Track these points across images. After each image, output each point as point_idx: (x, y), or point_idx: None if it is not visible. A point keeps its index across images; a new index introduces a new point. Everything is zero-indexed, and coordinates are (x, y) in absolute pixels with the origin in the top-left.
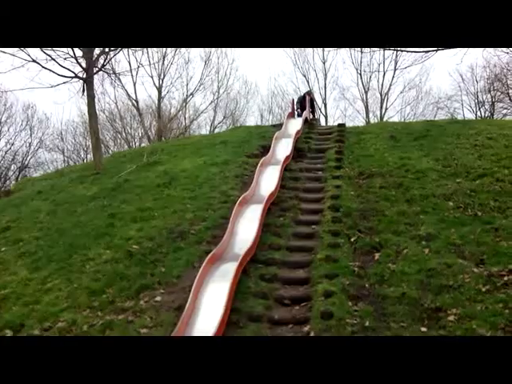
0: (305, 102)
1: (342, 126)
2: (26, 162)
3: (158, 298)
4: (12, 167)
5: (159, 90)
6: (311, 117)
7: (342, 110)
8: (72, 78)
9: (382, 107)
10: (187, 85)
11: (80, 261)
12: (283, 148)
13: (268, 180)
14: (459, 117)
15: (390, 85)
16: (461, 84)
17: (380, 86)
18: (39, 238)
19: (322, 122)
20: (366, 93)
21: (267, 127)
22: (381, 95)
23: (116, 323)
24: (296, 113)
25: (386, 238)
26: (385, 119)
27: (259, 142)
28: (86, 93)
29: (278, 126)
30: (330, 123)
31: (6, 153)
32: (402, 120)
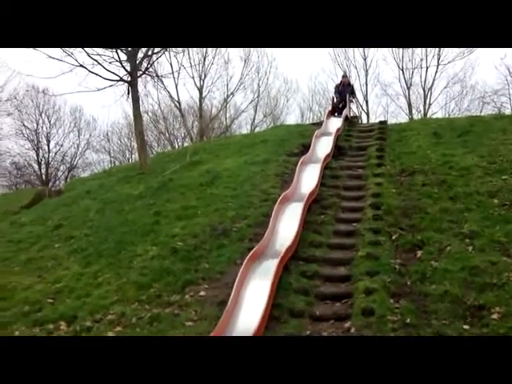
0: (344, 94)
1: (383, 123)
2: (75, 163)
3: (203, 293)
4: (61, 168)
5: (200, 90)
6: (352, 114)
7: (384, 106)
8: (117, 81)
9: (425, 103)
10: (227, 84)
11: (128, 257)
12: (323, 146)
13: (308, 178)
14: (507, 111)
15: (434, 80)
16: (508, 77)
17: (423, 82)
18: (89, 235)
19: (364, 119)
20: (409, 89)
21: (307, 125)
22: (424, 91)
23: (163, 316)
24: (335, 102)
25: (428, 236)
26: (428, 115)
27: (299, 140)
28: (130, 95)
29: (318, 125)
30: (372, 120)
31: (55, 154)
32: (447, 116)
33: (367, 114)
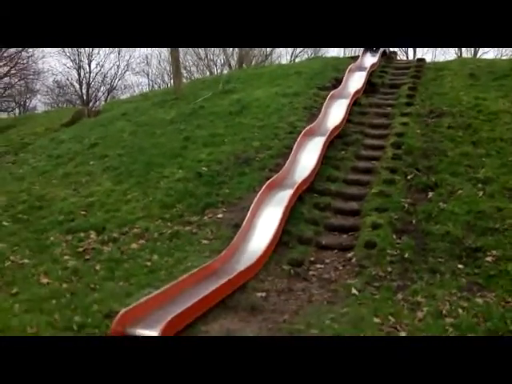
0: None
1: (421, 60)
2: (114, 84)
3: (220, 215)
4: (101, 88)
5: None
6: (390, 49)
7: None
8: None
9: None
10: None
11: (156, 177)
12: (355, 81)
13: (335, 113)
14: None
15: None
16: None
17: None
18: (122, 155)
19: (411, 54)
20: None
21: (345, 59)
22: None
23: (182, 233)
24: None
25: (442, 178)
26: (479, 54)
27: (333, 74)
28: None
29: (357, 58)
30: (418, 55)
31: (96, 74)
32: (499, 56)
33: (414, 50)
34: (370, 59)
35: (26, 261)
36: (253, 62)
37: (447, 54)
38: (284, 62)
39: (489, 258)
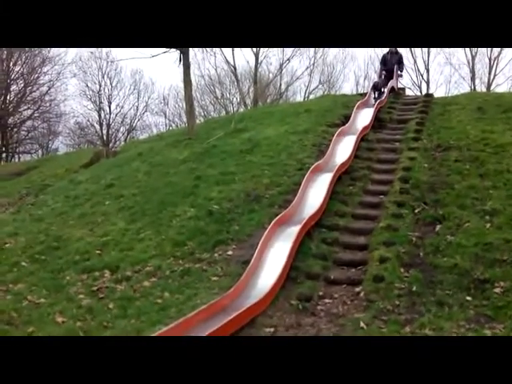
0: (391, 64)
1: (428, 96)
2: (134, 125)
3: (230, 252)
4: (121, 129)
5: (256, 55)
6: (398, 86)
7: (446, 76)
8: (170, 48)
9: (490, 73)
10: (283, 50)
11: (168, 216)
12: (363, 118)
13: (343, 150)
14: None
15: (501, 49)
16: None
17: (489, 50)
18: (136, 195)
19: (424, 88)
20: (473, 58)
21: (353, 96)
22: (490, 60)
23: (192, 270)
24: (377, 76)
25: (449, 211)
26: (493, 87)
27: (343, 111)
28: (182, 62)
29: (365, 95)
30: (432, 90)
31: (116, 115)
32: None
33: (427, 83)
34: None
35: (43, 300)
36: (268, 100)
37: (461, 88)
38: (298, 98)
39: (497, 290)
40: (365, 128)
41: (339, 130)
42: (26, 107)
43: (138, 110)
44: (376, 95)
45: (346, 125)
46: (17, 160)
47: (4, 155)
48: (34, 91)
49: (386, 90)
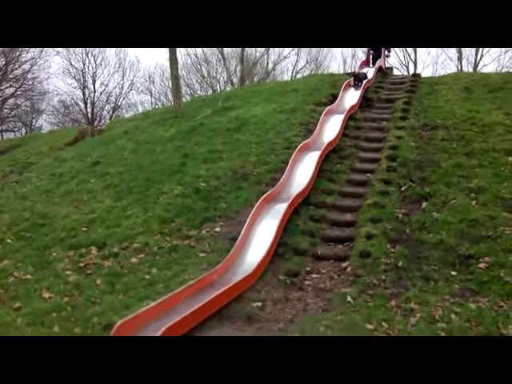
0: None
1: (416, 75)
2: (119, 103)
3: (217, 229)
4: (106, 107)
5: None
6: (386, 66)
7: (433, 56)
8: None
9: (476, 54)
10: None
11: (155, 194)
12: (351, 97)
13: (330, 128)
14: None
15: None
16: None
17: None
18: (122, 173)
19: (411, 68)
20: None
21: (341, 75)
22: None
23: (180, 247)
24: (368, 62)
25: (436, 189)
26: (479, 67)
27: (330, 90)
28: None
29: (352, 75)
30: (419, 70)
31: (100, 94)
32: (499, 69)
33: (415, 64)
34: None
35: (29, 276)
36: (255, 79)
37: (448, 68)
38: (286, 77)
39: (482, 265)
40: (352, 107)
41: (327, 108)
42: (7, 85)
43: (123, 88)
44: (356, 83)
45: (334, 104)
46: (0, 138)
47: None
48: (16, 69)
49: (365, 80)
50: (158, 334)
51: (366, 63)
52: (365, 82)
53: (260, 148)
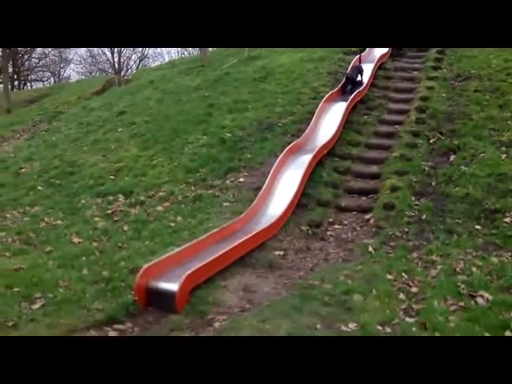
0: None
1: None
2: (146, 52)
3: (242, 180)
4: (133, 57)
5: None
6: None
7: None
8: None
9: None
10: None
11: (181, 143)
12: None
13: (359, 78)
14: None
15: None
16: None
17: None
18: (149, 122)
19: None
20: None
21: None
22: None
23: (205, 196)
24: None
25: (465, 142)
26: None
27: None
28: None
29: None
30: None
31: None
32: None
33: None
34: None
35: (59, 222)
36: None
37: None
38: None
39: (507, 219)
40: (383, 56)
41: (356, 57)
42: None
43: None
44: (349, 89)
45: (364, 52)
46: (29, 88)
47: (16, 83)
48: None
49: (358, 88)
50: (183, 277)
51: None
52: (356, 91)
53: (286, 98)
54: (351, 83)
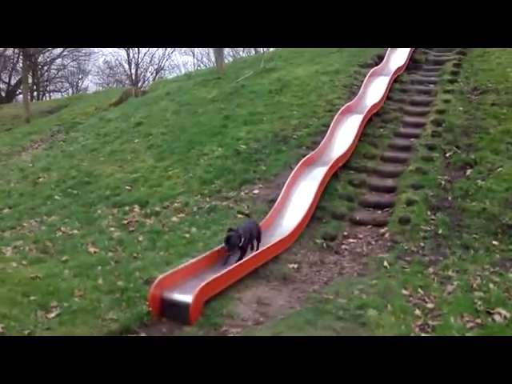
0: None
1: None
2: (162, 64)
3: (256, 191)
4: (150, 69)
5: None
6: None
7: None
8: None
9: None
10: None
11: (196, 155)
12: (398, 58)
13: (375, 91)
14: None
15: None
16: None
17: None
18: (165, 134)
19: None
20: None
21: None
22: None
23: (219, 208)
24: None
25: (482, 156)
26: None
27: (376, 50)
28: None
29: None
30: None
31: (144, 54)
32: None
33: None
34: None
35: (76, 231)
36: None
37: None
38: None
39: None
40: (399, 69)
41: (372, 70)
42: None
43: (166, 49)
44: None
45: (379, 65)
46: (48, 98)
47: (35, 94)
48: None
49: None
50: (197, 289)
51: None
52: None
53: (301, 110)
54: (229, 248)
